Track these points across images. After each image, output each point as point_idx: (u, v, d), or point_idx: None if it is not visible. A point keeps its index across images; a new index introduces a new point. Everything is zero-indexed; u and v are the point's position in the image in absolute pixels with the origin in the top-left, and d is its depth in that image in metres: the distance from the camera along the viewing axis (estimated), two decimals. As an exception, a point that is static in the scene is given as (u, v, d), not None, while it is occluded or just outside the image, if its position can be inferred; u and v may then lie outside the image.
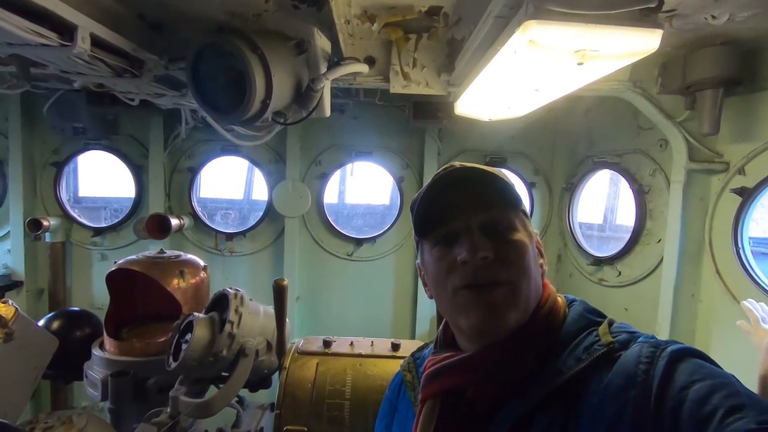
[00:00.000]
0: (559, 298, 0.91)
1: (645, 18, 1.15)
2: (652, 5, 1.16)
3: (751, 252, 2.37)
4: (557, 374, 0.77)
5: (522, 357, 0.82)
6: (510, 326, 0.82)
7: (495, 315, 0.81)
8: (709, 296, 2.54)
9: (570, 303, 0.92)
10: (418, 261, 0.99)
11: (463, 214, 0.87)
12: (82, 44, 1.55)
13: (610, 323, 0.84)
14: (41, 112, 3.43)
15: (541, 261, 0.93)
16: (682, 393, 0.66)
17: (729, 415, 0.61)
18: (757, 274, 2.27)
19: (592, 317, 0.86)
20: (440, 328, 0.99)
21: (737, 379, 0.69)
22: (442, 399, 0.86)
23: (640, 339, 0.78)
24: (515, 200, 0.90)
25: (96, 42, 1.67)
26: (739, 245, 2.33)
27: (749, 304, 1.81)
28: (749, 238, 2.39)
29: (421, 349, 1.08)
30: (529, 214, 0.95)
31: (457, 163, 0.92)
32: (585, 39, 1.17)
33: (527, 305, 0.84)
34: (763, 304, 1.81)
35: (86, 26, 1.55)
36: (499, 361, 0.82)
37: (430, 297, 0.94)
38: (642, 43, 1.19)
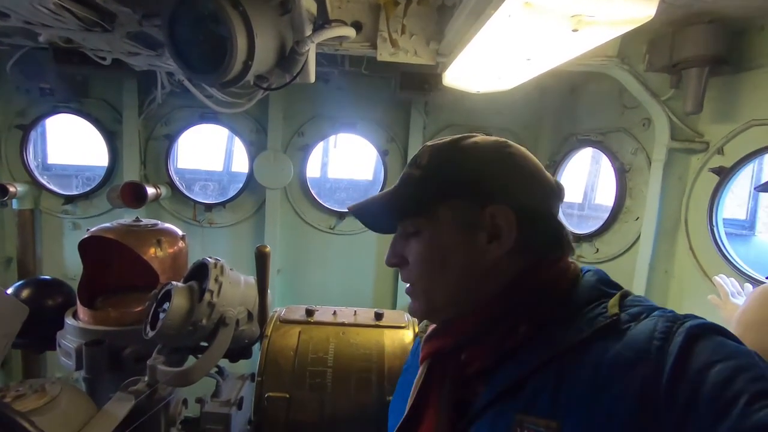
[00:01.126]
0: (572, 266, 0.89)
1: (643, -16, 1.13)
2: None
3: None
4: (555, 344, 0.75)
5: (499, 327, 0.82)
6: (433, 312, 0.93)
7: (413, 304, 0.95)
8: (682, 272, 2.63)
9: (585, 273, 0.89)
10: None
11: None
12: (47, -10, 1.44)
13: (625, 295, 0.79)
14: (4, 71, 3.21)
15: (490, 246, 0.85)
16: (702, 374, 0.61)
17: (754, 402, 0.55)
18: (728, 251, 2.35)
19: (605, 288, 0.82)
20: None
21: (762, 359, 0.63)
22: (439, 359, 0.91)
23: (655, 313, 0.72)
24: (419, 204, 0.91)
25: (62, -10, 1.55)
26: (714, 223, 2.40)
27: (720, 279, 1.87)
28: (719, 218, 2.46)
29: None
30: (477, 196, 0.86)
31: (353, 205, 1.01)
32: (582, 3, 1.14)
33: (438, 297, 0.90)
34: (733, 279, 1.88)
35: (51, -30, 1.44)
36: (467, 331, 0.86)
37: None
38: (638, 9, 1.17)
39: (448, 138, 0.94)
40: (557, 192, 0.92)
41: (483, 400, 0.79)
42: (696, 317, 0.70)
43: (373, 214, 0.99)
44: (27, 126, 3.62)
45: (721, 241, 2.39)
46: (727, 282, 1.86)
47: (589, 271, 0.89)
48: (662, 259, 2.70)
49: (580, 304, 0.80)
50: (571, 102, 3.54)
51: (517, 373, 0.76)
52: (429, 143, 0.95)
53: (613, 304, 0.76)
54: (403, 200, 0.92)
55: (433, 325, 0.97)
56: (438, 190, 0.89)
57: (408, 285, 0.94)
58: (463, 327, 0.87)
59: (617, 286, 0.84)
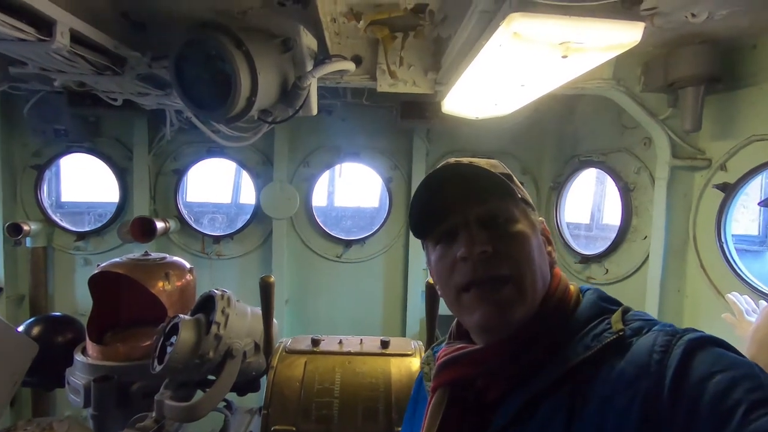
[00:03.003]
0: (571, 286, 0.89)
1: (627, 10, 1.17)
2: (634, -3, 1.18)
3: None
4: (564, 362, 0.75)
5: (530, 349, 0.80)
6: (517, 321, 0.80)
7: (500, 313, 0.80)
8: (694, 291, 2.58)
9: (584, 292, 0.89)
10: (426, 260, 0.98)
11: (460, 208, 0.85)
12: (61, 39, 1.52)
13: (626, 311, 0.80)
14: (21, 114, 3.36)
15: (549, 249, 0.91)
16: (701, 385, 0.62)
17: (753, 411, 0.56)
18: (740, 268, 2.31)
19: (606, 305, 0.83)
20: (454, 321, 0.98)
21: (761, 369, 0.64)
22: (453, 388, 0.86)
23: (656, 327, 0.74)
24: (512, 190, 0.86)
25: (76, 38, 1.64)
26: (723, 240, 2.37)
27: (733, 297, 1.84)
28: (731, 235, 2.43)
29: (439, 342, 1.08)
30: (531, 203, 0.92)
31: (452, 160, 0.91)
32: (568, 31, 1.18)
33: (534, 298, 0.82)
34: (746, 296, 1.84)
35: (65, 21, 1.52)
36: (508, 355, 0.81)
37: (441, 296, 0.93)
38: (624, 35, 1.21)
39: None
40: None
41: (496, 425, 0.78)
42: (695, 330, 0.71)
43: (479, 174, 0.86)
44: (42, 166, 3.74)
45: (732, 257, 2.35)
46: (740, 300, 1.82)
47: (589, 290, 0.89)
48: (673, 278, 2.66)
49: (584, 321, 0.80)
50: (572, 124, 3.58)
51: (526, 397, 0.76)
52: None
53: (616, 320, 0.77)
54: (510, 183, 0.88)
55: (447, 351, 0.91)
56: (517, 189, 0.90)
57: (493, 274, 0.81)
58: (498, 353, 0.83)
59: (617, 303, 0.85)
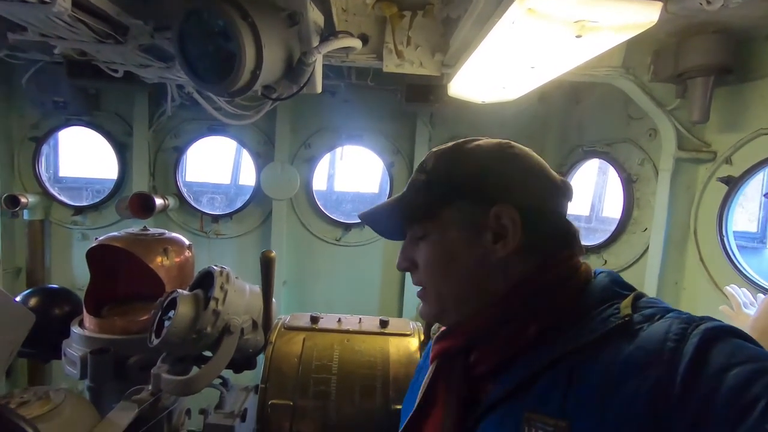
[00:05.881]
0: (583, 266, 0.86)
1: (645, -11, 1.14)
2: (652, -23, 1.15)
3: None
4: (566, 343, 0.73)
5: (508, 322, 0.81)
6: (443, 313, 0.92)
7: (424, 308, 0.95)
8: (692, 284, 2.59)
9: (598, 274, 0.86)
10: None
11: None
12: (63, 2, 1.48)
13: (638, 297, 0.77)
14: (20, 85, 3.31)
15: (498, 245, 0.84)
16: (718, 377, 0.59)
17: None
18: (740, 262, 2.31)
19: (618, 289, 0.80)
20: None
21: None
22: (445, 359, 0.91)
23: (670, 314, 0.70)
24: (429, 204, 0.90)
25: (77, 3, 1.59)
26: (724, 233, 2.37)
27: (732, 289, 1.84)
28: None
29: None
30: (481, 196, 0.85)
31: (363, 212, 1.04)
32: (585, 8, 1.15)
33: (447, 299, 0.89)
34: (744, 289, 1.84)
35: (67, -17, 1.48)
36: (476, 331, 0.85)
37: None
38: (641, 15, 1.18)
39: (452, 142, 0.94)
40: (563, 190, 0.91)
41: (492, 398, 0.77)
42: (713, 319, 0.68)
43: (383, 220, 1.01)
44: (40, 138, 3.70)
45: (732, 251, 2.35)
46: (739, 292, 1.82)
47: (602, 272, 0.86)
48: (672, 270, 2.66)
49: (592, 304, 0.78)
50: (577, 113, 3.55)
51: (527, 371, 0.75)
52: (435, 148, 0.96)
53: (625, 305, 0.74)
54: (410, 205, 0.93)
55: (444, 327, 0.97)
56: (443, 193, 0.89)
57: (419, 288, 0.95)
58: (471, 327, 0.86)
59: (631, 288, 0.81)
